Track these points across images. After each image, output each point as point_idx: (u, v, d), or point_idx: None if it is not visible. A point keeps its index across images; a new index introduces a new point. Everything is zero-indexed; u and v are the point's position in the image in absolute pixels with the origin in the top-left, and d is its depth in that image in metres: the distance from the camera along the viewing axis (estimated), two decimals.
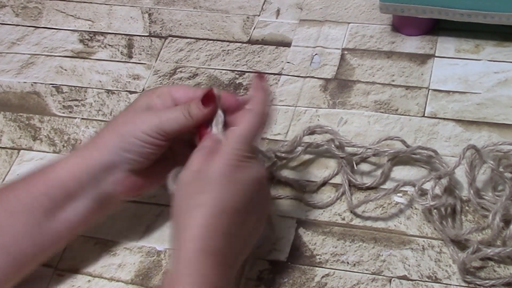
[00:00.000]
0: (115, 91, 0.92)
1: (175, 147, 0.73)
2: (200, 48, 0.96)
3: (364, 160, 0.81)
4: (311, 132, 0.80)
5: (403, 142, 0.79)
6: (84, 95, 0.92)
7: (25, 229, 0.68)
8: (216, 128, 0.70)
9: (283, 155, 0.80)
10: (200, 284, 0.61)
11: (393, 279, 0.71)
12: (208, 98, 0.69)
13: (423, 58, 0.90)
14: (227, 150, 0.66)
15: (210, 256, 0.62)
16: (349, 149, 0.80)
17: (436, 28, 0.93)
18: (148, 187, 0.73)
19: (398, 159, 0.80)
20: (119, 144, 0.69)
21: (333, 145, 0.80)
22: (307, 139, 0.81)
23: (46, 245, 0.70)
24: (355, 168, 0.80)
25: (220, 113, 0.70)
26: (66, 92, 0.93)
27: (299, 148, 0.80)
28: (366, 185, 0.78)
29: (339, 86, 0.89)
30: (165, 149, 0.71)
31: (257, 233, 0.68)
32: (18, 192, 0.69)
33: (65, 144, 0.87)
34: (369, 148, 0.79)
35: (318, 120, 0.85)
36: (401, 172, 0.80)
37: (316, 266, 0.73)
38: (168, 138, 0.70)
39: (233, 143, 0.66)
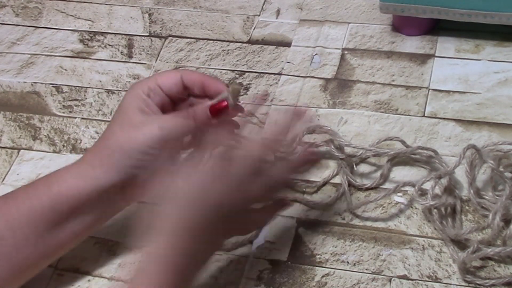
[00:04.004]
0: (115, 91, 0.92)
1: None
2: (200, 48, 0.96)
3: (363, 160, 0.81)
4: (311, 132, 0.80)
5: (403, 142, 0.79)
6: (84, 95, 0.92)
7: (28, 242, 0.67)
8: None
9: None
10: None
11: (393, 278, 0.71)
12: (219, 111, 0.68)
13: (423, 58, 0.90)
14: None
15: (169, 269, 0.60)
16: (348, 150, 0.80)
17: (436, 28, 0.93)
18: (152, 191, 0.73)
19: (398, 160, 0.80)
20: (125, 162, 0.68)
21: (332, 146, 0.80)
22: (306, 139, 0.81)
23: (49, 253, 0.69)
24: (355, 169, 0.80)
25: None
26: (66, 92, 0.93)
27: (299, 148, 0.80)
28: (366, 186, 0.78)
29: (339, 86, 0.89)
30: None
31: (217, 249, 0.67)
32: (19, 204, 0.67)
33: (65, 144, 0.87)
34: (369, 149, 0.79)
35: (318, 120, 0.85)
36: (401, 172, 0.79)
37: (316, 266, 0.73)
38: (171, 145, 0.69)
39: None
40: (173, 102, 0.71)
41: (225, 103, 0.68)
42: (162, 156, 0.69)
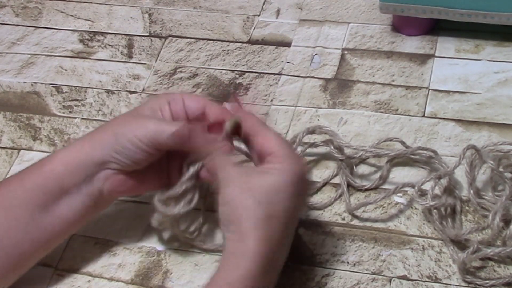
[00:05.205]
0: (115, 91, 0.92)
1: (171, 159, 0.72)
2: (200, 48, 0.96)
3: (363, 161, 0.81)
4: (311, 132, 0.80)
5: (402, 143, 0.79)
6: (84, 95, 0.92)
7: (19, 223, 0.68)
8: (192, 170, 0.70)
9: None
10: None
11: (393, 279, 0.71)
12: (216, 129, 0.69)
13: (423, 58, 0.90)
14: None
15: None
16: (348, 151, 0.80)
17: (436, 28, 0.93)
18: (138, 190, 0.73)
19: (398, 160, 0.80)
20: (111, 144, 0.69)
21: (332, 147, 0.80)
22: (306, 139, 0.81)
23: (41, 240, 0.70)
24: (355, 170, 0.80)
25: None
26: (66, 92, 0.93)
27: (299, 149, 0.80)
28: (366, 187, 0.78)
29: (339, 86, 0.89)
30: (157, 158, 0.70)
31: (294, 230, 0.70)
32: (12, 186, 0.69)
33: (65, 144, 0.87)
34: (369, 150, 0.79)
35: (318, 120, 0.85)
36: (400, 173, 0.79)
37: (316, 266, 0.73)
38: (160, 149, 0.69)
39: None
40: (188, 121, 0.71)
41: (225, 124, 0.69)
42: (150, 155, 0.69)
